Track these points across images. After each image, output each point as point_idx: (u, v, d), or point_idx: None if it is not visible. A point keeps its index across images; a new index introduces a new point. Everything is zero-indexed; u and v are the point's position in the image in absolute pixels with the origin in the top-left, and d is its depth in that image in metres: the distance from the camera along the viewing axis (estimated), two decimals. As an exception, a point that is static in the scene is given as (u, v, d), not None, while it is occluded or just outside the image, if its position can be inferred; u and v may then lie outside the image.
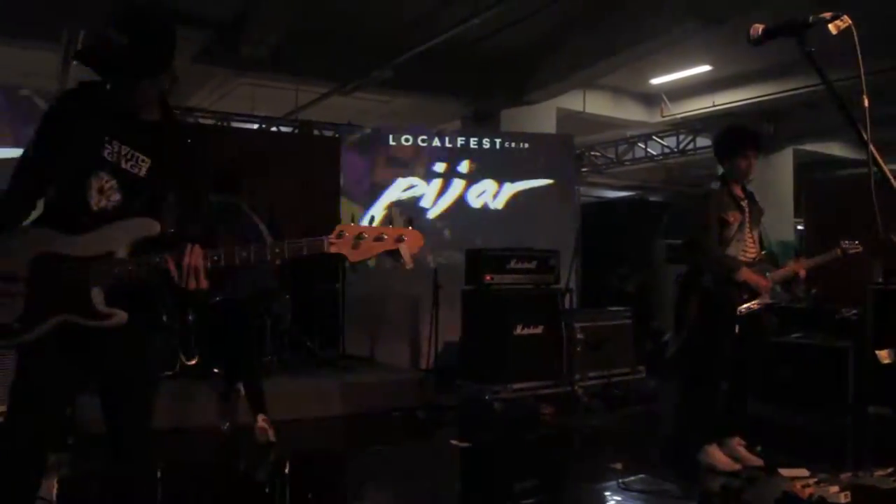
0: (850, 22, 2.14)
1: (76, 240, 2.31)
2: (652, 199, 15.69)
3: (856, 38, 2.13)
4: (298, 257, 2.28)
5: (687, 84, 12.14)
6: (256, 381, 5.74)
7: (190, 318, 6.69)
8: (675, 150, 10.85)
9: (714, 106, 12.03)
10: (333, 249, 2.24)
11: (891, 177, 2.06)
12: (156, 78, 2.38)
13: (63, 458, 5.09)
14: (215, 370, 6.55)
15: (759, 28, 2.36)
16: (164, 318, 2.58)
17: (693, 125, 12.38)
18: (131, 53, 2.25)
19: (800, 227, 12.16)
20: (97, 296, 2.29)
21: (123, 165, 2.37)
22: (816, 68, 2.24)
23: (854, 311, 6.93)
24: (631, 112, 13.04)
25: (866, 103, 2.15)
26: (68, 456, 5.15)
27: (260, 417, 5.57)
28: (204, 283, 2.24)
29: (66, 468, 4.95)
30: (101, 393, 2.49)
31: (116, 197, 2.36)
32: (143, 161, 2.39)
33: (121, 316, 2.31)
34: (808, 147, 13.57)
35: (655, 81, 12.15)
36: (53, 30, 7.67)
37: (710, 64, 11.25)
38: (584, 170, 12.93)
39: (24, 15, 7.04)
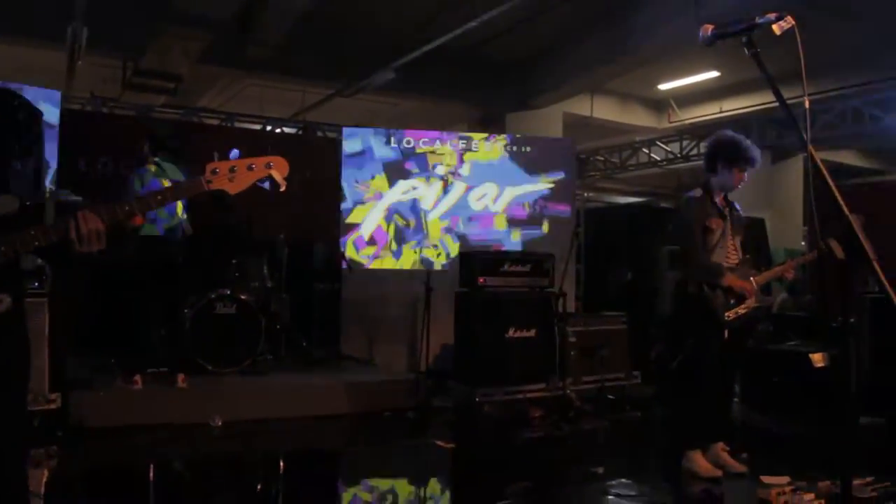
0: (793, 23, 2.14)
1: None
2: (662, 205, 15.62)
3: (798, 39, 2.13)
4: (183, 199, 2.27)
5: (695, 90, 12.12)
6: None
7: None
8: (679, 155, 10.80)
9: (721, 112, 12.00)
10: (213, 186, 2.23)
11: (829, 179, 2.06)
12: None
13: (52, 451, 5.16)
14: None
15: (708, 28, 2.36)
16: None
17: (700, 131, 12.34)
18: None
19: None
20: None
21: None
22: (762, 69, 2.24)
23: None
24: (639, 117, 13.02)
25: (807, 104, 2.16)
26: (57, 449, 5.22)
27: None
28: (103, 243, 2.15)
29: (55, 460, 5.02)
30: None
31: None
32: None
33: (5, 301, 2.15)
34: (819, 155, 13.41)
35: (663, 87, 12.13)
36: (58, 29, 7.78)
37: (718, 70, 11.22)
38: (592, 174, 12.89)
39: (28, 13, 7.13)
